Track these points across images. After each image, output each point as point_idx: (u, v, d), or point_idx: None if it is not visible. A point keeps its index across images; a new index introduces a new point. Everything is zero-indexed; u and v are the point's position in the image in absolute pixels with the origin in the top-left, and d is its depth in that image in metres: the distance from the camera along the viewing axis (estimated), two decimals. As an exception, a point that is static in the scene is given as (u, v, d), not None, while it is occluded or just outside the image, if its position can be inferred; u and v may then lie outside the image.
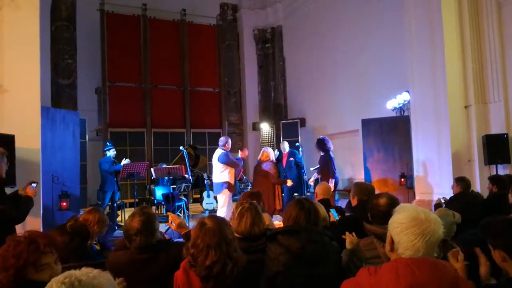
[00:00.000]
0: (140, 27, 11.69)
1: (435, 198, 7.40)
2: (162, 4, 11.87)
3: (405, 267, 1.48)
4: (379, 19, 9.59)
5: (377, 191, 7.19)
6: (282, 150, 7.91)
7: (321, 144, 7.39)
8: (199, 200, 9.79)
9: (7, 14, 4.52)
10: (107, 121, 11.00)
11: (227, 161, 6.43)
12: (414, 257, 1.50)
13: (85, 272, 1.21)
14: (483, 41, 7.32)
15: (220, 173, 6.49)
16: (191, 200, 10.41)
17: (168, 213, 2.70)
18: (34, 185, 3.49)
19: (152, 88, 11.66)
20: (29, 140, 4.45)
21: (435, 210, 4.94)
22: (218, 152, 6.59)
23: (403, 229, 1.54)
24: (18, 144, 4.16)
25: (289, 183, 7.07)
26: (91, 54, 11.25)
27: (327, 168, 7.27)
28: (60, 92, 10.78)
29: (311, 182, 7.82)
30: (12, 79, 4.48)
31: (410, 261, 1.49)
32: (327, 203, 3.94)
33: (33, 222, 4.28)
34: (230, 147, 6.54)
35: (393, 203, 2.46)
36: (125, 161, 7.33)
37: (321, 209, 3.07)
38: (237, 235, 2.56)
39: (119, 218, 7.94)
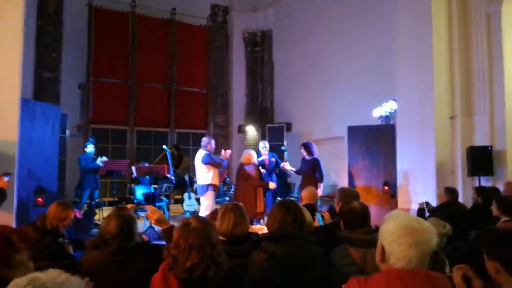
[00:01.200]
0: (128, 24, 11.52)
1: (417, 207, 7.43)
2: (152, 2, 11.72)
3: (397, 279, 1.40)
4: (369, 27, 9.63)
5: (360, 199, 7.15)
6: (262, 149, 7.70)
7: (309, 148, 7.33)
8: (181, 201, 9.64)
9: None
10: (89, 117, 10.78)
11: (210, 162, 6.31)
12: (407, 268, 1.43)
13: (52, 276, 1.06)
14: (471, 52, 7.35)
15: (204, 175, 6.36)
16: (173, 201, 10.24)
17: (147, 206, 2.57)
18: (7, 177, 3.35)
19: (138, 86, 11.48)
20: (6, 132, 4.27)
21: (418, 215, 4.92)
22: (201, 153, 6.47)
23: (395, 238, 1.47)
24: (-6, 135, 3.99)
25: (272, 185, 6.97)
26: (77, 49, 11.03)
27: (314, 172, 7.20)
28: (43, 86, 10.52)
29: (285, 165, 7.69)
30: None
31: (402, 272, 1.41)
32: (313, 208, 3.86)
33: (6, 218, 4.10)
34: (213, 148, 6.41)
35: (364, 205, 2.47)
36: (101, 159, 7.11)
37: (307, 214, 2.99)
38: (220, 237, 2.47)
39: (96, 217, 7.74)
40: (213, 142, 6.51)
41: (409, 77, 7.68)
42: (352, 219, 2.36)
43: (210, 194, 6.29)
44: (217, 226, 2.49)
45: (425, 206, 4.71)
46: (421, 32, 7.50)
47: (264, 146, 7.79)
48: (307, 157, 7.33)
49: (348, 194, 3.43)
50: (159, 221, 2.52)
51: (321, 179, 7.16)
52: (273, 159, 7.63)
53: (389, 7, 8.24)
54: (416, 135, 7.50)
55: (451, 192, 4.50)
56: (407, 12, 7.75)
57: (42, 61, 10.56)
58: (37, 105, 5.49)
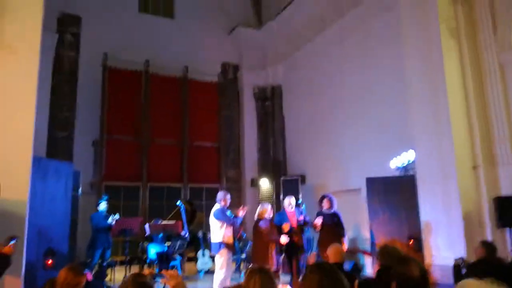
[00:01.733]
0: (142, 82, 11.76)
1: (445, 262, 6.99)
2: (165, 61, 12.03)
3: None
4: (381, 75, 9.66)
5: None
6: (287, 207, 6.90)
7: (332, 201, 6.95)
8: (194, 259, 9.25)
9: (3, 58, 4.38)
10: (102, 174, 10.69)
11: (221, 218, 6.01)
12: None
13: None
14: (487, 101, 7.22)
15: (217, 231, 6.03)
16: (185, 259, 9.84)
17: (164, 271, 2.33)
18: (13, 241, 3.16)
19: (150, 142, 11.49)
20: (16, 191, 4.12)
21: (454, 272, 4.56)
22: (215, 207, 6.22)
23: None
24: (3, 194, 3.83)
25: (283, 240, 6.38)
26: (91, 107, 11.19)
27: (335, 226, 6.80)
28: (56, 144, 10.59)
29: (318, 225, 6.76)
30: (4, 126, 4.23)
31: None
32: (341, 268, 3.55)
33: (13, 283, 3.85)
34: (228, 202, 6.10)
35: (424, 272, 2.17)
36: (113, 218, 6.84)
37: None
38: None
39: (107, 278, 7.38)
40: (228, 196, 6.25)
41: (426, 128, 7.52)
42: (408, 286, 2.09)
43: (224, 252, 5.93)
44: (242, 291, 2.25)
45: (460, 262, 4.35)
46: (435, 84, 7.42)
47: (289, 203, 6.88)
48: (327, 210, 6.95)
49: (389, 253, 3.18)
50: (177, 288, 2.27)
51: (344, 233, 6.74)
52: (301, 217, 6.85)
53: (400, 59, 8.26)
54: (438, 186, 7.21)
55: (488, 246, 4.16)
56: (419, 64, 7.73)
57: (55, 120, 10.70)
58: (50, 162, 5.39)
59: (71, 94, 10.97)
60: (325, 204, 6.86)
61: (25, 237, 4.28)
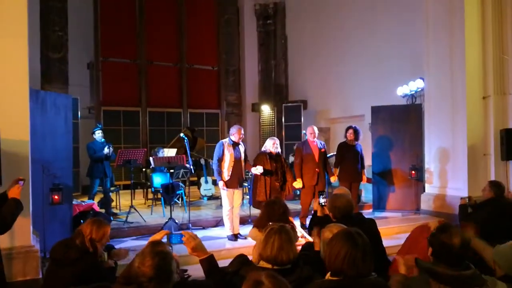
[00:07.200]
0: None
1: (446, 192, 7.10)
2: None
3: None
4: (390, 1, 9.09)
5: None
6: (310, 137, 6.30)
7: (358, 134, 6.60)
8: (196, 183, 9.39)
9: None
10: (100, 99, 10.43)
11: (216, 152, 5.69)
12: None
13: None
14: (505, 27, 6.88)
15: (215, 164, 5.80)
16: (187, 183, 9.98)
17: (183, 232, 2.27)
18: (21, 182, 3.09)
19: (147, 65, 11.05)
20: (16, 131, 3.92)
21: (459, 211, 4.59)
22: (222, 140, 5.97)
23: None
24: (4, 135, 3.66)
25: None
26: (83, 27, 10.61)
27: (360, 159, 6.67)
28: (50, 67, 10.18)
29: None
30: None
31: None
32: (350, 215, 3.45)
33: (22, 222, 3.84)
34: (236, 137, 5.75)
35: (467, 243, 2.08)
36: (108, 148, 6.68)
37: None
38: (263, 264, 2.20)
39: (114, 204, 7.48)
40: (234, 130, 5.78)
41: (439, 54, 7.22)
42: (446, 255, 2.00)
43: (220, 186, 5.72)
44: (259, 250, 2.22)
45: (467, 201, 4.35)
46: (452, 4, 6.98)
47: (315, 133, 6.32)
48: (350, 142, 6.61)
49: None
50: (196, 250, 2.22)
51: (363, 166, 6.69)
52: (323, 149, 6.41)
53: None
54: (445, 116, 7.11)
55: (497, 187, 4.13)
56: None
57: (47, 40, 10.17)
58: (47, 95, 5.12)
59: (62, 12, 10.31)
60: (351, 135, 6.61)
61: (30, 175, 4.20)
